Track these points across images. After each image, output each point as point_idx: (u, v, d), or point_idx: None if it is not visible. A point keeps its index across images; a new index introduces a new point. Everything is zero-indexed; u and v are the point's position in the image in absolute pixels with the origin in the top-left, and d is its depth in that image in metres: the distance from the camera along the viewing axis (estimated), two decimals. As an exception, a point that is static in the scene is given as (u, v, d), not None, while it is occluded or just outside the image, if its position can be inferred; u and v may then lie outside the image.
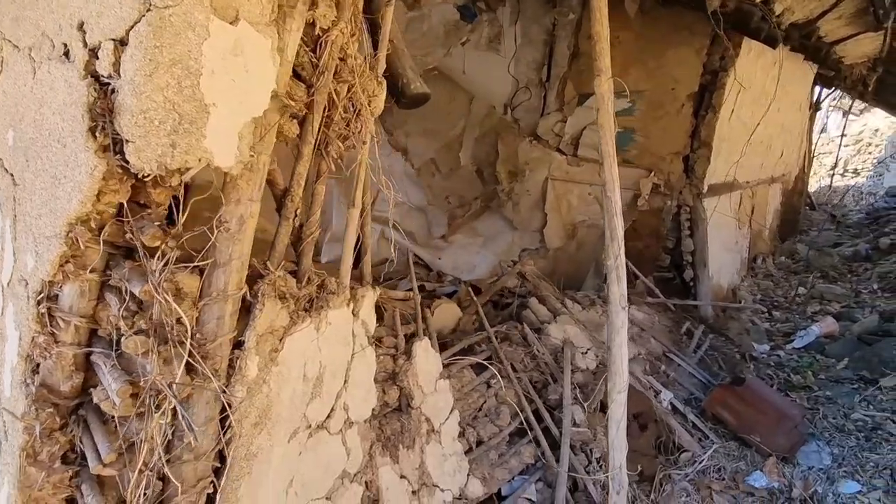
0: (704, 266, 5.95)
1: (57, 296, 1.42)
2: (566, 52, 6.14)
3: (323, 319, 1.94)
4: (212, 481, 1.59)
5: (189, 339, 1.43)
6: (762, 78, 6.42)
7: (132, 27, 1.22)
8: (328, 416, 2.08)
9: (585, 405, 3.88)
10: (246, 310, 1.63)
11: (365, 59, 2.15)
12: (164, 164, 1.27)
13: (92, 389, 1.45)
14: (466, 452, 3.02)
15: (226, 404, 1.58)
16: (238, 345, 1.60)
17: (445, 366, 3.22)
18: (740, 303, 6.77)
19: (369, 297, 2.33)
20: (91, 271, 1.38)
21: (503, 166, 6.61)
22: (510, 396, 3.57)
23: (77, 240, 1.32)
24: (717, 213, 6.26)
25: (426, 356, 2.79)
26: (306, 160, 1.85)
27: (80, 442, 1.47)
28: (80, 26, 1.30)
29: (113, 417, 1.43)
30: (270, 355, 1.70)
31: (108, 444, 1.42)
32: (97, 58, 1.27)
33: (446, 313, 4.55)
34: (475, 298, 4.94)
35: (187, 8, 1.22)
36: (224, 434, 1.59)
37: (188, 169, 1.32)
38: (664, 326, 5.21)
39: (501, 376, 3.63)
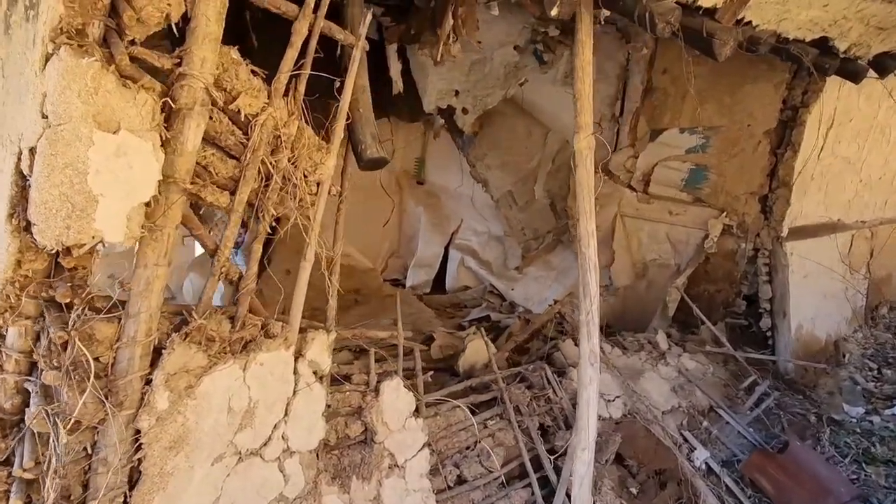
0: (784, 316, 5.47)
1: (3, 335, 1.87)
2: (639, 87, 6.01)
3: (252, 360, 2.24)
4: (124, 492, 1.95)
5: (94, 375, 1.79)
6: (869, 109, 5.79)
7: (39, 139, 1.62)
8: (264, 445, 2.37)
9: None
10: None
11: (319, 132, 2.44)
12: (61, 242, 1.66)
13: (25, 409, 1.88)
14: (441, 491, 3.16)
15: (137, 430, 1.93)
16: (150, 381, 1.95)
17: (434, 404, 3.38)
18: (843, 357, 6.10)
19: (320, 340, 2.59)
20: (26, 318, 1.81)
21: (574, 200, 6.56)
22: (509, 439, 3.63)
23: (9, 296, 1.75)
24: (808, 257, 5.73)
25: (396, 394, 2.99)
26: (234, 225, 2.17)
27: (13, 451, 1.90)
28: (20, 137, 1.73)
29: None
30: (185, 391, 2.03)
31: (31, 453, 1.83)
32: (20, 160, 1.70)
33: (478, 350, 4.68)
34: (513, 336, 5.01)
35: (75, 125, 1.60)
36: (135, 454, 1.94)
37: (83, 245, 1.69)
38: (719, 379, 4.89)
39: (501, 418, 3.71)
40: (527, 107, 7.09)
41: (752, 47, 3.69)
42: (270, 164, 2.22)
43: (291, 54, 2.21)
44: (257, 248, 2.40)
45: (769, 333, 5.61)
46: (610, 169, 6.32)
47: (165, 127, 1.81)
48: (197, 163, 1.98)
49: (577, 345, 4.76)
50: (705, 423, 4.44)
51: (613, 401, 4.27)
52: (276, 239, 6.51)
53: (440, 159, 8.49)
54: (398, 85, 4.94)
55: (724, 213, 5.52)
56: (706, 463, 4.16)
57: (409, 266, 8.50)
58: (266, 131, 2.14)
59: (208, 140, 2.01)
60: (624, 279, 6.26)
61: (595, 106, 6.33)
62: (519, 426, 3.72)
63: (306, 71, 2.30)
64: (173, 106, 1.82)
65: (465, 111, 5.70)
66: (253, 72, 2.16)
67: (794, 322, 5.55)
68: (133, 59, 1.76)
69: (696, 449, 4.20)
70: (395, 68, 4.83)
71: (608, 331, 6.39)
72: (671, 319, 5.80)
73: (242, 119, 2.09)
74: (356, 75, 2.69)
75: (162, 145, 1.79)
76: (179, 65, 1.84)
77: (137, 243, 1.85)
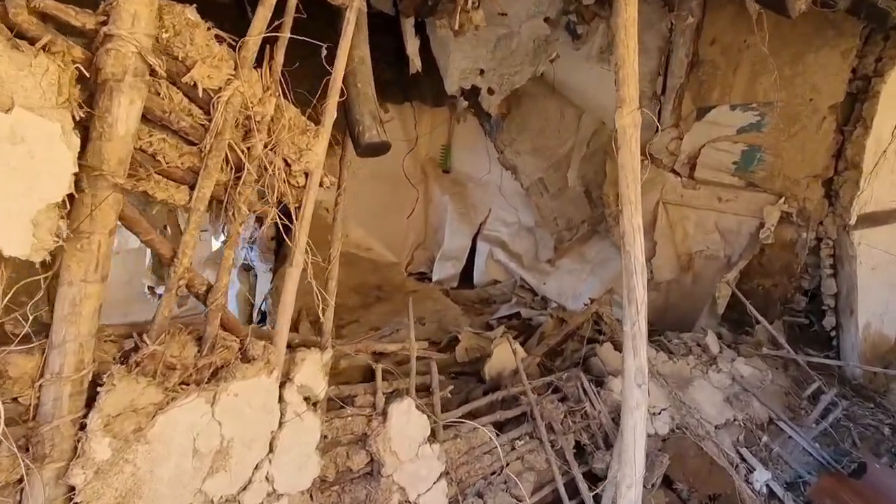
0: (851, 313, 4.87)
1: None
2: (684, 61, 5.42)
3: (222, 391, 1.84)
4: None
5: (8, 421, 1.41)
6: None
7: None
8: (243, 489, 1.98)
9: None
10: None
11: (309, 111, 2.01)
12: (-64, 258, 1.27)
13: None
14: (462, 525, 2.74)
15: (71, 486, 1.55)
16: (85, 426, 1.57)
17: (450, 425, 2.95)
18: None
19: (311, 359, 2.18)
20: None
21: (611, 187, 6.03)
22: (540, 462, 3.19)
23: None
24: (877, 247, 5.09)
25: (407, 418, 2.56)
26: (194, 227, 1.75)
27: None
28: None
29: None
30: (134, 434, 1.64)
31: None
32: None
33: (505, 355, 4.23)
34: (546, 338, 4.55)
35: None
36: (74, 514, 1.56)
37: (-26, 259, 1.30)
38: (779, 387, 4.34)
39: (531, 437, 3.27)
40: (558, 87, 6.56)
41: (829, 1, 3.12)
42: (241, 150, 1.80)
43: (263, 13, 1.77)
44: (229, 255, 1.99)
45: (833, 333, 5.01)
46: (651, 152, 5.77)
47: (83, 104, 1.40)
48: (139, 150, 1.57)
49: (616, 349, 4.28)
50: (765, 439, 3.91)
51: (659, 414, 3.78)
52: (293, 232, 6.10)
53: (467, 145, 8.01)
54: (416, 63, 4.48)
55: (782, 199, 4.92)
56: (767, 486, 3.64)
57: (435, 259, 8.08)
58: (232, 110, 1.72)
59: (155, 121, 1.61)
60: (667, 273, 5.71)
61: (634, 83, 5.81)
62: (552, 446, 3.26)
63: (284, 34, 1.87)
64: (98, 77, 1.41)
65: (490, 92, 5.21)
66: (219, 38, 1.74)
67: (861, 320, 4.93)
68: (42, 15, 1.35)
69: (755, 469, 3.68)
70: (411, 45, 4.37)
71: (649, 330, 5.87)
72: (721, 318, 5.25)
73: (201, 95, 1.67)
74: (353, 44, 2.25)
75: (79, 128, 1.39)
76: (105, 24, 1.43)
77: (59, 255, 1.46)
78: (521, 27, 5.02)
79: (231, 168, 1.83)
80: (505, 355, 4.21)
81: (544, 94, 6.58)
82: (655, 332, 5.62)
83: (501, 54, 5.12)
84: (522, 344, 5.11)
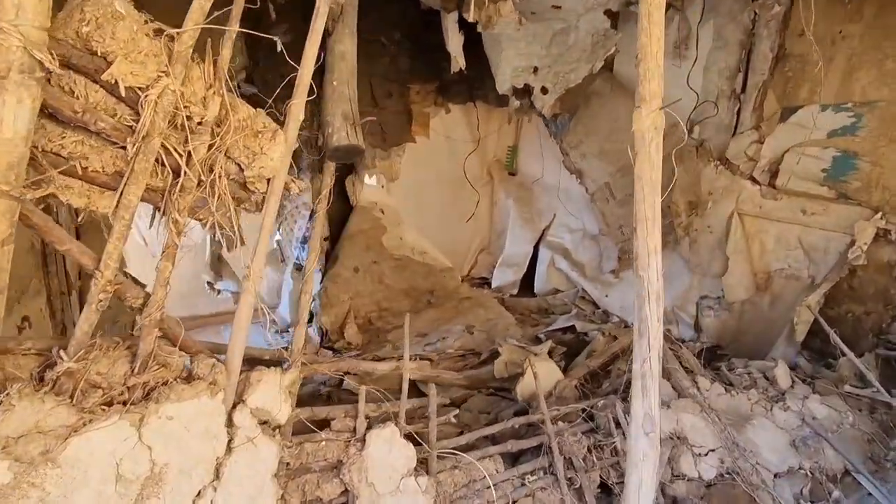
0: (962, 350, 4.13)
1: None
2: (768, 55, 4.83)
3: (151, 413, 1.71)
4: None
5: None
6: None
7: None
8: (183, 517, 1.85)
9: (672, 530, 2.95)
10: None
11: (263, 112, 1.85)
12: None
13: None
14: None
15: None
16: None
17: (445, 456, 2.69)
18: None
19: (270, 380, 2.02)
20: None
21: (681, 195, 5.51)
22: (553, 501, 2.87)
23: None
24: None
25: (389, 447, 2.35)
26: (117, 237, 1.63)
27: None
28: None
29: None
30: (41, 457, 1.54)
31: None
32: None
33: (541, 374, 3.92)
34: (590, 358, 4.18)
35: None
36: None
37: None
38: (861, 432, 3.73)
39: (547, 472, 2.95)
40: (629, 85, 6.09)
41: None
42: (179, 154, 1.66)
43: (200, 3, 1.62)
44: (165, 267, 1.85)
45: (939, 372, 4.27)
46: (728, 157, 5.21)
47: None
48: (49, 153, 1.46)
49: (664, 376, 3.85)
50: (836, 494, 3.35)
51: (706, 455, 3.34)
52: (343, 234, 6.03)
53: (534, 147, 7.67)
54: (459, 62, 4.25)
55: (879, 215, 4.24)
56: (834, 551, 3.11)
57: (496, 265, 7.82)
58: (163, 110, 1.58)
59: (67, 122, 1.49)
60: (741, 292, 5.13)
61: (711, 79, 5.26)
62: (570, 484, 2.94)
63: (233, 28, 1.70)
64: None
65: (544, 91, 4.88)
66: (159, 31, 1.61)
67: (976, 359, 4.17)
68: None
69: (820, 530, 3.16)
70: (454, 42, 4.14)
71: (719, 353, 5.32)
72: (800, 346, 4.62)
73: (124, 93, 1.54)
74: (335, 38, 2.06)
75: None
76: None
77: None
78: (579, 21, 4.66)
79: (168, 173, 1.69)
80: (542, 372, 3.91)
81: (614, 93, 6.13)
82: (724, 357, 5.09)
83: (557, 50, 4.78)
84: (569, 361, 4.77)
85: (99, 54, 1.49)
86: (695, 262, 5.48)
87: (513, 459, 3.11)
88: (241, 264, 6.31)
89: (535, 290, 7.33)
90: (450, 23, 4.09)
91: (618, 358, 4.32)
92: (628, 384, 3.84)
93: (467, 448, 2.98)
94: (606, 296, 6.42)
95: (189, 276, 6.63)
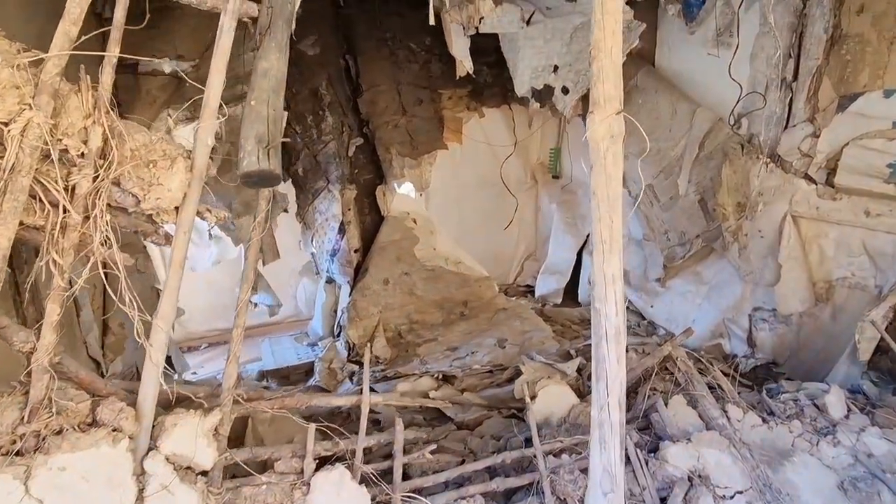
0: None
1: None
2: (822, 38, 4.29)
3: (39, 465, 1.61)
4: None
5: None
6: None
7: None
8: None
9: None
10: None
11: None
12: None
13: None
14: None
15: None
16: None
17: (410, 499, 2.46)
18: None
19: (187, 425, 1.88)
20: None
21: (729, 196, 5.01)
22: (542, 549, 2.60)
23: None
24: None
25: (337, 490, 2.16)
26: (-7, 281, 1.53)
27: None
28: None
29: None
30: None
31: None
32: None
33: (553, 399, 3.64)
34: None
35: None
36: None
37: None
38: (930, 474, 3.18)
39: (535, 517, 2.68)
40: (672, 78, 5.65)
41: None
42: (56, 189, 1.55)
43: (63, 28, 1.50)
44: (52, 310, 1.73)
45: None
46: (779, 153, 4.68)
47: None
48: None
49: (690, 405, 3.47)
50: (894, 549, 2.87)
51: (732, 498, 2.94)
52: (373, 245, 5.91)
53: (578, 149, 7.28)
54: (465, 65, 4.02)
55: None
56: None
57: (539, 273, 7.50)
58: (29, 146, 1.48)
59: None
60: (795, 304, 4.59)
61: (758, 68, 4.75)
62: (562, 530, 2.65)
63: (112, 52, 1.58)
64: None
65: (565, 91, 4.56)
66: (37, 61, 1.51)
67: None
68: None
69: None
70: (458, 45, 3.92)
71: (774, 371, 4.80)
72: (866, 366, 4.06)
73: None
74: (260, 54, 1.91)
75: None
76: None
77: None
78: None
79: (48, 211, 1.59)
80: (552, 400, 3.63)
81: (657, 87, 5.70)
82: (780, 376, 4.59)
83: (578, 47, 4.45)
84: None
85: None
86: (745, 270, 4.96)
87: (505, 499, 2.86)
88: (275, 279, 6.37)
89: (580, 299, 6.96)
90: (453, 25, 3.87)
91: (646, 380, 3.94)
92: (646, 414, 3.50)
93: (455, 485, 2.77)
94: (652, 306, 5.97)
95: (226, 288, 6.75)
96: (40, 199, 1.57)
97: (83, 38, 1.57)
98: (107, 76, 1.64)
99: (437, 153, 6.40)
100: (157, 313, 1.93)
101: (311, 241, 6.40)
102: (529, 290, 7.77)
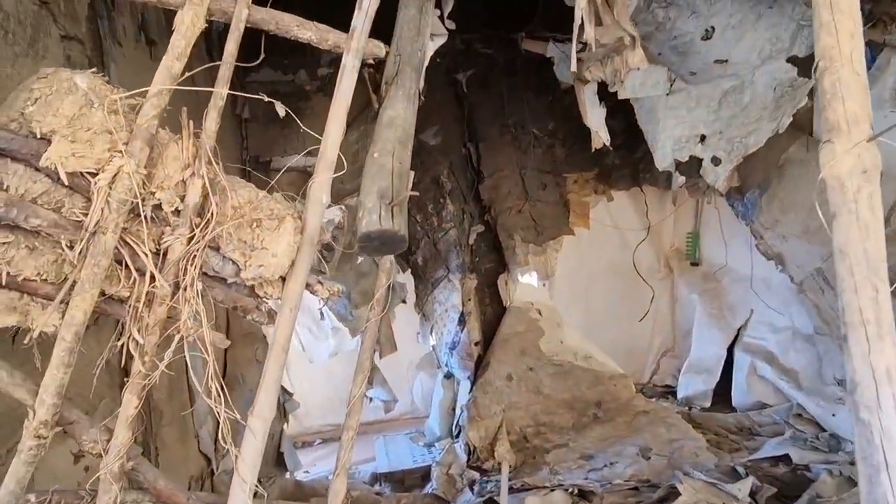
0: None
1: None
2: None
3: None
4: None
5: None
6: None
7: None
8: None
9: None
10: None
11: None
12: None
13: None
14: None
15: None
16: None
17: None
18: None
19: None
20: None
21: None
22: None
23: None
24: None
25: None
26: (57, 363, 1.25)
27: None
28: None
29: None
30: None
31: None
32: None
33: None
34: None
35: None
36: None
37: None
38: None
39: None
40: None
41: None
42: (145, 252, 1.30)
43: (167, 62, 1.29)
44: (129, 401, 1.40)
45: None
46: None
47: None
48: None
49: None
50: None
51: None
52: (495, 337, 5.49)
53: (718, 232, 6.58)
54: (602, 136, 3.67)
55: None
56: None
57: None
58: (118, 199, 1.24)
59: (-6, 219, 1.21)
60: None
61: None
62: None
63: (221, 89, 1.35)
64: None
65: (716, 161, 4.04)
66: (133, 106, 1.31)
67: None
68: None
69: None
70: (593, 115, 3.58)
71: None
72: None
73: (66, 181, 1.23)
74: (386, 104, 1.65)
75: None
76: None
77: None
78: (755, 74, 3.84)
79: (134, 279, 1.33)
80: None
81: (815, 158, 5.01)
82: None
83: (729, 112, 3.97)
84: (780, 510, 3.56)
85: (39, 135, 1.23)
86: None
87: None
88: (392, 373, 6.08)
89: (734, 404, 5.98)
90: (587, 94, 3.56)
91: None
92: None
93: None
94: (833, 415, 4.94)
95: (343, 381, 6.52)
96: (126, 265, 1.33)
97: (186, 74, 1.37)
98: (211, 121, 1.42)
99: (562, 239, 6.00)
100: (252, 410, 1.58)
101: (431, 332, 6.09)
102: (669, 390, 6.89)
